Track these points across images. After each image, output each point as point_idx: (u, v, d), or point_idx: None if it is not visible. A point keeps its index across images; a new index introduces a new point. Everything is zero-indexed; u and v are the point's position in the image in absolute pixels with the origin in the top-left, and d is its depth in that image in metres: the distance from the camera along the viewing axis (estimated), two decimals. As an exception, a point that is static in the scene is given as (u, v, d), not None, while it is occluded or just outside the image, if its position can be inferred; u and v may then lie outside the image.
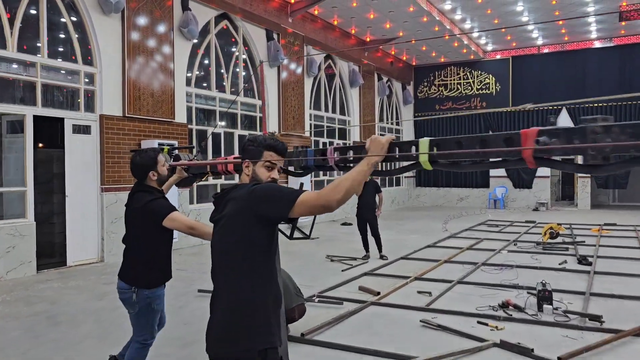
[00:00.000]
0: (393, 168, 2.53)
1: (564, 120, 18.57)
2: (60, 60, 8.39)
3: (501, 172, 19.50)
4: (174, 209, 3.18)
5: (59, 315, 5.49)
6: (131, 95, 9.13)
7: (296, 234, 9.44)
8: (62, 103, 8.41)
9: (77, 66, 8.56)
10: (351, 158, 2.49)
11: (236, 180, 12.21)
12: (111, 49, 8.91)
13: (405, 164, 2.32)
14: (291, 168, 3.01)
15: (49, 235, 8.72)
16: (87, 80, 8.72)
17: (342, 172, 2.37)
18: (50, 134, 8.87)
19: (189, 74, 10.81)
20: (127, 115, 9.06)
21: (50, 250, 8.65)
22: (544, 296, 5.40)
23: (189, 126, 10.63)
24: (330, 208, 2.00)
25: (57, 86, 8.35)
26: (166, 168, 3.35)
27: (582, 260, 8.04)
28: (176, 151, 3.95)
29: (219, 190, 2.34)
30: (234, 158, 3.33)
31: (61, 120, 8.30)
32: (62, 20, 8.45)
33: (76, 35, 8.58)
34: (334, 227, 13.50)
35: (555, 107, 18.74)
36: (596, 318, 5.01)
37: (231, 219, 2.11)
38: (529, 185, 19.58)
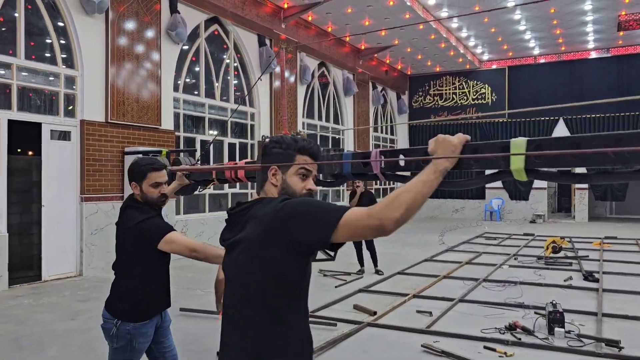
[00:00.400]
0: (467, 177, 1.96)
1: (561, 132, 18.30)
2: (39, 62, 7.92)
3: (497, 183, 19.14)
4: (171, 229, 2.67)
5: (24, 338, 4.98)
6: (115, 100, 8.68)
7: (319, 255, 8.59)
8: (40, 107, 7.94)
9: (57, 68, 8.10)
10: (403, 164, 2.00)
11: (244, 191, 11.82)
12: (94, 51, 8.46)
13: (486, 172, 1.82)
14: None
15: (24, 247, 8.20)
16: (67, 83, 8.27)
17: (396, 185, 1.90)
18: (27, 139, 8.38)
19: (178, 80, 10.38)
20: (110, 121, 8.60)
21: (25, 264, 8.12)
22: (555, 318, 4.98)
23: (177, 133, 10.18)
24: (385, 230, 1.48)
25: (34, 89, 7.89)
26: (160, 191, 2.77)
27: (589, 276, 7.64)
28: (182, 154, 3.51)
29: (234, 204, 1.81)
30: (246, 163, 2.86)
31: (39, 125, 7.82)
32: (42, 20, 8.00)
33: (57, 37, 8.14)
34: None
35: (552, 119, 18.49)
36: (614, 343, 4.59)
37: (253, 244, 1.62)
38: (525, 196, 19.25)
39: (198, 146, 10.78)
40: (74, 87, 8.31)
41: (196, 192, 3.36)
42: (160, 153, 3.42)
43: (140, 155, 3.17)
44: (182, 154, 5.14)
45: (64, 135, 8.15)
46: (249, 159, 3.33)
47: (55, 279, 7.82)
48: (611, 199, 18.82)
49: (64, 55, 8.25)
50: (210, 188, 3.21)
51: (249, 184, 10.49)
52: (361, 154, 2.17)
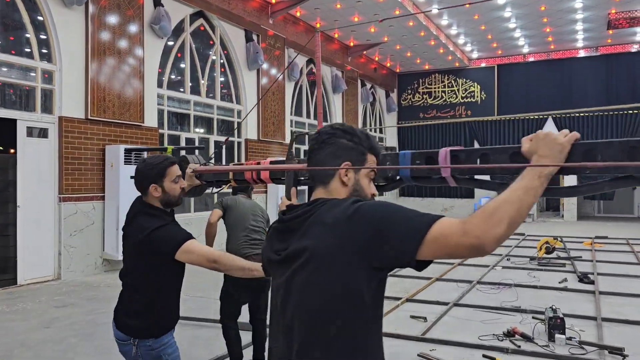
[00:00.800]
0: (582, 183, 1.62)
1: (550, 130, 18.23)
2: (15, 55, 7.55)
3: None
4: (189, 236, 2.37)
5: (-8, 349, 4.66)
6: (95, 96, 8.32)
7: None
8: (15, 103, 7.57)
9: (34, 62, 7.73)
10: (473, 166, 1.70)
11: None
12: (73, 45, 8.10)
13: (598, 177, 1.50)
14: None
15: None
16: (45, 79, 7.89)
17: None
18: (1, 137, 8.00)
19: (162, 76, 10.03)
20: (90, 117, 8.24)
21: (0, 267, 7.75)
22: (556, 324, 4.77)
23: (160, 131, 9.83)
24: (484, 251, 1.20)
25: (9, 84, 7.51)
26: (180, 186, 2.49)
27: (584, 278, 7.47)
28: (182, 152, 3.20)
29: (287, 208, 1.51)
30: (271, 162, 2.54)
31: (14, 121, 7.45)
32: (17, 11, 7.62)
33: (33, 29, 7.77)
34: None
35: (542, 117, 18.41)
36: (617, 350, 4.40)
37: (320, 255, 1.33)
38: (514, 195, 19.15)
39: (183, 143, 10.45)
40: (50, 81, 7.94)
41: (207, 192, 3.07)
42: (165, 151, 3.11)
43: (156, 155, 2.86)
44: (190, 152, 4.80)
45: (42, 133, 7.79)
46: (273, 158, 3.00)
47: (31, 283, 7.46)
48: (600, 198, 18.83)
49: (44, 51, 7.88)
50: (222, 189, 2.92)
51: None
52: (425, 155, 1.83)
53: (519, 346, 4.63)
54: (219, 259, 2.31)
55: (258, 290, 4.04)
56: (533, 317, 5.43)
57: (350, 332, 1.32)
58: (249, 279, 3.76)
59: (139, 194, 2.52)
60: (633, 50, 17.44)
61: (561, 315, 4.84)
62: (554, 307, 5.00)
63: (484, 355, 4.41)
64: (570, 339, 4.71)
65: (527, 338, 4.79)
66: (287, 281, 1.41)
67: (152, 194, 2.44)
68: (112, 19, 8.64)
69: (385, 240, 1.27)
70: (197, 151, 3.75)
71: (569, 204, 18.54)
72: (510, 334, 4.87)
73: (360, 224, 1.30)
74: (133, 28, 9.02)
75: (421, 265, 1.29)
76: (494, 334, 4.94)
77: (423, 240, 1.23)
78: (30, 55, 7.73)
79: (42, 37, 7.91)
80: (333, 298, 1.32)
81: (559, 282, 7.37)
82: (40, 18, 7.86)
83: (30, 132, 7.63)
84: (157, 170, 2.43)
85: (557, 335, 4.73)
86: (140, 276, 2.42)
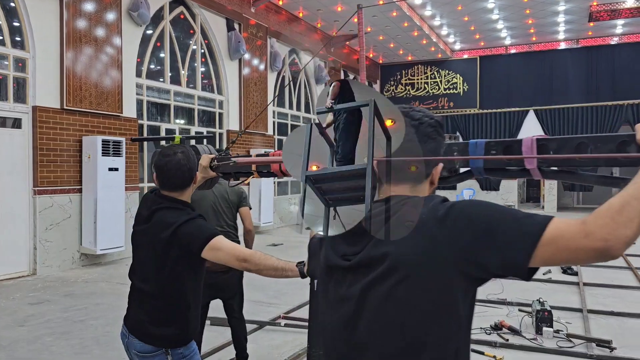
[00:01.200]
0: None
1: (532, 124, 18.36)
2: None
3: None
4: (216, 232, 2.20)
5: (-37, 350, 4.45)
6: (71, 85, 8.04)
7: None
8: (-14, 92, 7.27)
9: (5, 50, 7.41)
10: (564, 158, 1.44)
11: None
12: (47, 32, 7.79)
13: None
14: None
15: (-29, 245, 7.53)
16: (18, 67, 7.58)
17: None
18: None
19: (141, 66, 9.74)
20: (65, 107, 7.96)
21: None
22: (543, 317, 4.74)
23: (139, 121, 9.58)
24: (610, 255, 1.00)
25: (-21, 72, 7.22)
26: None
27: (567, 269, 7.51)
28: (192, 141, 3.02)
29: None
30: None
31: (-15, 111, 7.17)
32: (-13, -4, 7.30)
33: (4, 15, 7.44)
34: (303, 232, 12.64)
35: (523, 110, 18.52)
36: (605, 343, 4.39)
37: (405, 267, 1.13)
38: (496, 187, 19.30)
39: (163, 134, 10.20)
40: (23, 69, 7.64)
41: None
42: (173, 140, 2.91)
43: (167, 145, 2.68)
44: (203, 142, 4.51)
45: (15, 123, 7.49)
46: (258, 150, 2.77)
47: (5, 279, 7.20)
48: (579, 190, 19.06)
49: (17, 38, 7.56)
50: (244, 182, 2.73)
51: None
52: (502, 145, 1.60)
53: (507, 339, 4.59)
54: (250, 257, 2.14)
55: (217, 288, 3.71)
56: (520, 310, 5.41)
57: (442, 353, 1.14)
58: (207, 277, 3.57)
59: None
60: (613, 42, 17.60)
61: (548, 308, 4.82)
62: (541, 300, 4.97)
63: (472, 350, 4.35)
64: (557, 331, 4.70)
65: (515, 331, 4.76)
66: (362, 293, 1.19)
67: (195, 181, 2.36)
68: (89, 6, 8.33)
69: (489, 246, 1.07)
70: (205, 140, 3.55)
71: (550, 195, 18.73)
72: (497, 327, 4.84)
73: (457, 227, 1.10)
74: (110, 15, 8.73)
75: (530, 273, 1.10)
76: (481, 328, 4.90)
77: (538, 244, 1.05)
78: (1, 43, 7.41)
79: (15, 24, 7.60)
80: (423, 314, 1.12)
81: (543, 274, 7.39)
82: (12, 4, 7.54)
83: (3, 122, 7.35)
84: (196, 159, 2.38)
85: (544, 328, 4.70)
86: (168, 280, 2.21)
